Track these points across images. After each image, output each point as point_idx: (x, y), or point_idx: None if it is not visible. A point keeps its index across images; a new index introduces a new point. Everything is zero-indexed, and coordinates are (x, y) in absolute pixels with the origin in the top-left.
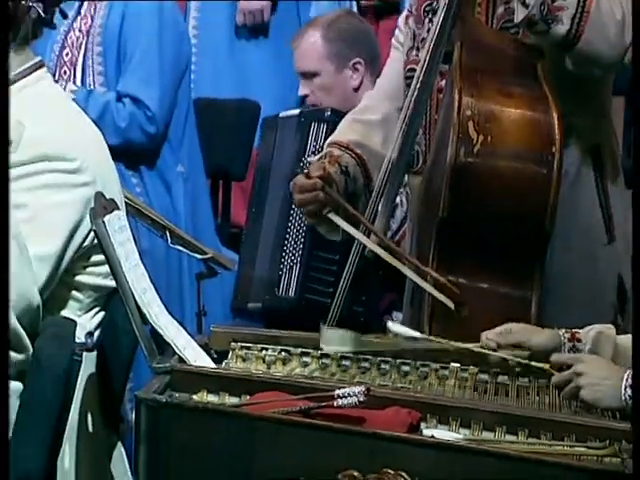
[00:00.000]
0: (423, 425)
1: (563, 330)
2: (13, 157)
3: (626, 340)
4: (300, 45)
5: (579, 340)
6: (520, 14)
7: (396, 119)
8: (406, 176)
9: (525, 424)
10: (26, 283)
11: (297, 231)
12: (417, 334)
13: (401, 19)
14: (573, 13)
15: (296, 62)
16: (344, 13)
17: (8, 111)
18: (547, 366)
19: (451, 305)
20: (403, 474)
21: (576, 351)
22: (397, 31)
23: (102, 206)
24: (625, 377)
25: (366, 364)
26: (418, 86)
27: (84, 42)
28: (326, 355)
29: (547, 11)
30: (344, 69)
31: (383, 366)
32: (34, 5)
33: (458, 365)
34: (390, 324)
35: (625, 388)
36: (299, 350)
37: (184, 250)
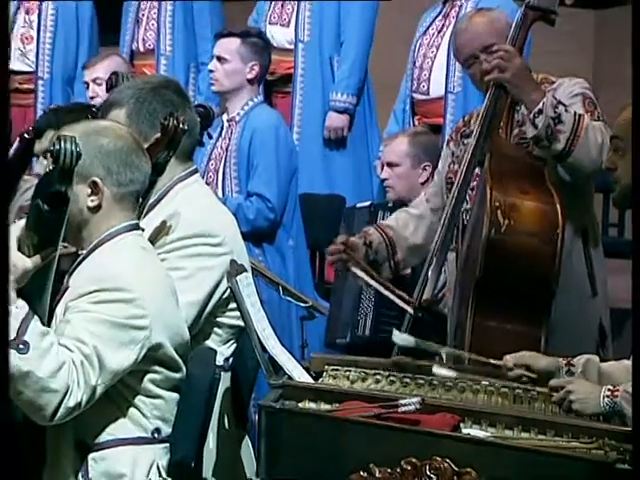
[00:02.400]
0: (462, 425)
1: (561, 358)
2: (174, 235)
3: (607, 366)
4: (390, 144)
5: (572, 365)
6: (530, 133)
7: (429, 216)
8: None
9: (535, 425)
10: (181, 327)
11: (369, 288)
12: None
13: (445, 143)
14: (568, 136)
15: (385, 154)
16: (425, 129)
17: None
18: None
19: None
20: (447, 461)
21: (571, 374)
22: (442, 152)
23: (235, 269)
24: (603, 391)
25: (421, 381)
26: (458, 187)
27: (224, 156)
28: (392, 374)
29: (550, 132)
30: (417, 168)
31: (433, 382)
32: (189, 130)
33: (487, 382)
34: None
35: (603, 398)
36: (373, 371)
37: (292, 300)
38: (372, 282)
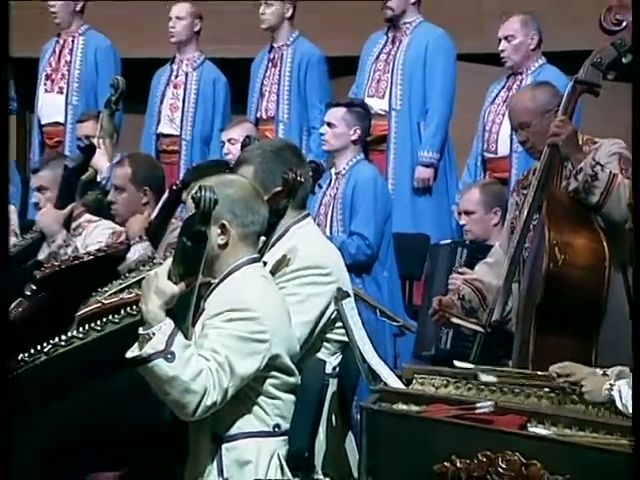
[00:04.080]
0: (528, 425)
1: (598, 368)
2: (291, 267)
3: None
4: (465, 194)
5: (607, 375)
6: (572, 186)
7: (502, 260)
8: None
9: (589, 425)
10: (294, 340)
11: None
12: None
13: (510, 194)
14: (602, 191)
15: (461, 204)
16: (493, 181)
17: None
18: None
19: None
20: (516, 454)
21: None
22: (508, 202)
23: (341, 295)
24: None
25: (493, 388)
26: (520, 230)
27: (332, 203)
28: (470, 382)
29: (587, 187)
30: (489, 213)
31: (503, 389)
32: (303, 182)
33: (548, 389)
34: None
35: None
36: (453, 379)
37: (386, 320)
38: (468, 324)
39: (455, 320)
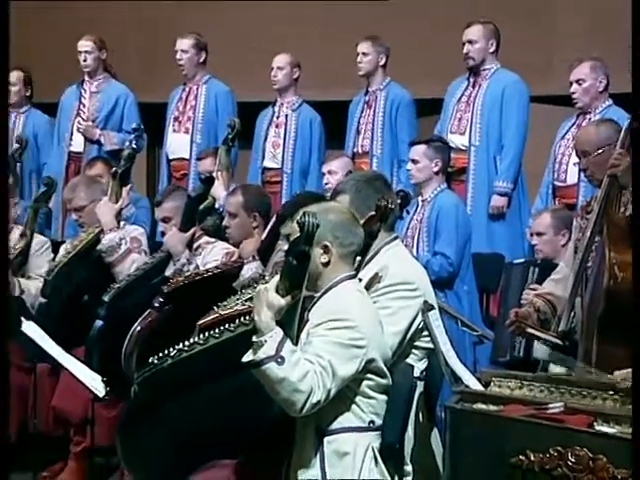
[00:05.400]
0: (595, 424)
1: None
2: (383, 283)
3: None
4: (537, 218)
5: None
6: (629, 211)
7: (567, 277)
8: None
9: None
10: (387, 347)
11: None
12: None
13: (575, 218)
14: None
15: (534, 226)
16: (562, 207)
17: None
18: None
19: None
20: (584, 450)
21: None
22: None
23: (427, 307)
24: None
25: (563, 390)
26: (583, 251)
27: (418, 227)
28: (542, 385)
29: None
30: (558, 235)
31: (572, 392)
32: (393, 209)
33: (612, 392)
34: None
35: None
36: (527, 382)
37: (467, 330)
38: (542, 335)
39: (530, 330)
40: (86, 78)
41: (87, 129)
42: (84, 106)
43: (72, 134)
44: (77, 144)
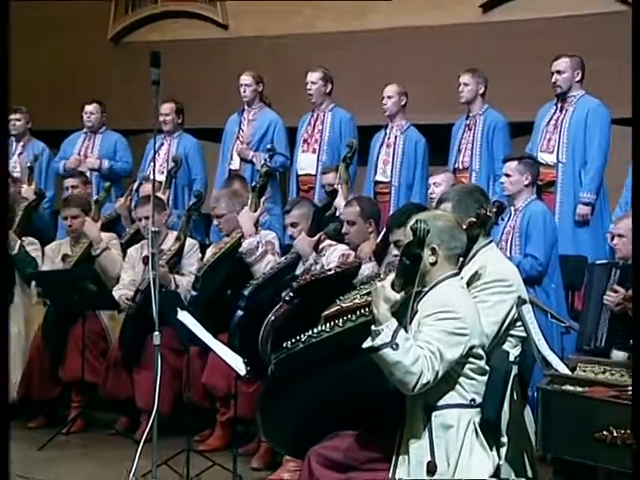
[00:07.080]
0: None
1: None
2: (482, 280)
3: None
4: (618, 223)
5: None
6: None
7: None
8: None
9: None
10: (485, 335)
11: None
12: None
13: None
14: None
15: (615, 229)
16: None
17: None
18: None
19: None
20: None
21: None
22: None
23: (520, 301)
24: None
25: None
26: None
27: (512, 232)
28: (622, 370)
29: None
30: None
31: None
32: (490, 217)
33: None
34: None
35: None
36: (609, 367)
37: (555, 321)
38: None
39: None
40: (245, 107)
41: (242, 151)
42: (242, 131)
43: (232, 155)
44: (235, 163)
